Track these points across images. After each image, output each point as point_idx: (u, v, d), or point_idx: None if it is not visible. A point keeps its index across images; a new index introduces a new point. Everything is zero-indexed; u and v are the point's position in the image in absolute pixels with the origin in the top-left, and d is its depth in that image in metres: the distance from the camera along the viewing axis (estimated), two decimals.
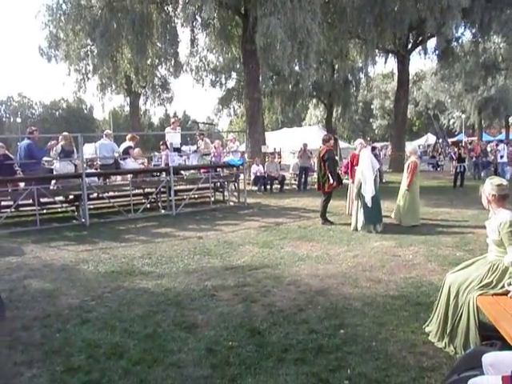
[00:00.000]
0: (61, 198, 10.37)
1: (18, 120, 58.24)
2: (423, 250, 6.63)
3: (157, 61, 20.95)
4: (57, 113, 74.04)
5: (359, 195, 8.41)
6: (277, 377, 3.11)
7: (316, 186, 9.76)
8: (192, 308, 4.47)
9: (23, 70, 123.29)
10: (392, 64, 32.46)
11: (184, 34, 67.79)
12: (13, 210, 9.41)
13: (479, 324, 3.20)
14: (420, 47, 23.17)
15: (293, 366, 3.25)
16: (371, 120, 55.31)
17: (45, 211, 10.71)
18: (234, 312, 4.33)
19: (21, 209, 10.02)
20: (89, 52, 20.67)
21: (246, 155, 15.26)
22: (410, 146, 9.75)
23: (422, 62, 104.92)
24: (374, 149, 16.98)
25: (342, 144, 31.65)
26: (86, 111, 73.74)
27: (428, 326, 3.79)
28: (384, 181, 15.89)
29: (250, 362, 3.33)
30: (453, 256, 6.27)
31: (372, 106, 52.14)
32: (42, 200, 9.92)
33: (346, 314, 4.23)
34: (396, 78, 28.23)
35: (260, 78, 18.67)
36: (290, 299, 4.65)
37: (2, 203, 9.75)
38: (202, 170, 12.35)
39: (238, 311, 4.35)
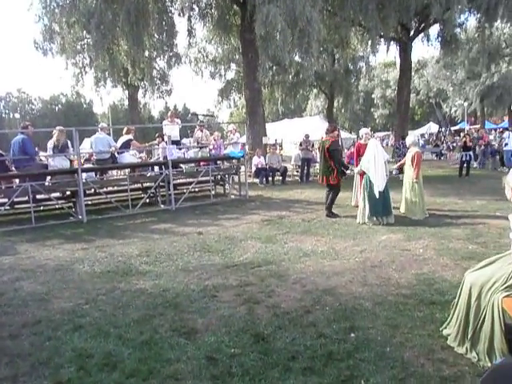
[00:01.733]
0: (57, 194, 10.09)
1: (17, 116, 57.81)
2: (433, 244, 6.34)
3: (154, 53, 20.51)
4: (56, 108, 73.66)
5: (365, 186, 8.13)
6: None
7: (319, 179, 9.31)
8: (191, 311, 4.19)
9: (22, 66, 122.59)
10: (394, 52, 32.03)
11: (181, 24, 67.32)
12: (7, 207, 9.13)
13: (505, 328, 2.91)
14: (422, 34, 22.70)
15: (301, 376, 2.98)
16: (372, 109, 54.90)
17: (41, 208, 10.46)
18: (236, 315, 4.05)
19: (16, 206, 9.74)
20: (85, 45, 20.31)
21: (246, 147, 14.95)
22: (410, 138, 9.41)
23: (425, 49, 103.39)
24: (403, 138, 16.19)
25: (343, 134, 31.25)
26: (85, 106, 73.26)
27: (446, 328, 3.51)
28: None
29: (253, 372, 3.05)
30: (465, 249, 5.98)
31: (373, 96, 51.68)
32: (37, 197, 9.65)
33: (356, 315, 3.95)
34: (398, 66, 27.79)
35: (259, 68, 18.26)
36: (296, 300, 4.36)
37: None
38: (201, 163, 12.05)
39: (241, 314, 4.06)
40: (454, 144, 25.08)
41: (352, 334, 3.56)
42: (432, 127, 38.41)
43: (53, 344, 3.62)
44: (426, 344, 3.36)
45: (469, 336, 3.16)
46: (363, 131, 9.39)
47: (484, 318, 3.05)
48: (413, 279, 4.85)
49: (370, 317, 3.90)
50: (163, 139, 11.47)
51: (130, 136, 11.09)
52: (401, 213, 8.72)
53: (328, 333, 3.60)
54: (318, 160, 9.48)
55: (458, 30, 22.04)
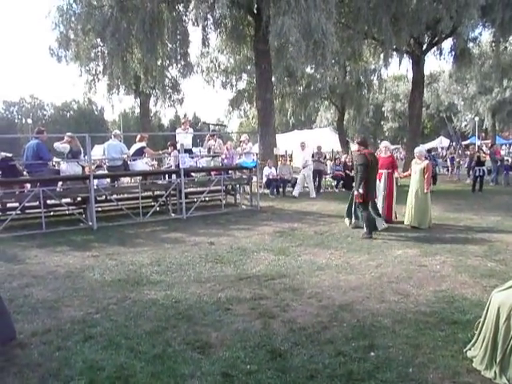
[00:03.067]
0: (68, 200, 10.07)
1: (30, 121, 58.21)
2: (451, 260, 6.18)
3: (167, 61, 20.61)
4: (68, 114, 74.26)
5: None
6: None
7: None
8: (205, 324, 4.08)
9: (36, 72, 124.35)
10: (405, 65, 31.99)
11: (195, 33, 68.41)
12: (18, 212, 9.10)
13: None
14: (435, 48, 22.59)
15: None
16: (382, 122, 54.68)
17: (52, 214, 10.43)
18: (252, 329, 3.92)
19: (27, 211, 9.72)
20: (99, 52, 20.46)
21: (257, 157, 14.89)
22: (418, 149, 9.31)
23: (437, 63, 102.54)
24: (430, 151, 16.94)
25: (353, 147, 31.13)
26: (96, 113, 73.82)
27: (470, 350, 3.36)
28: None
29: None
30: (484, 267, 5.82)
31: (383, 109, 51.49)
32: (48, 202, 9.62)
33: (375, 332, 3.81)
34: (410, 79, 27.62)
35: (273, 79, 18.26)
36: (312, 315, 4.24)
37: (8, 205, 9.48)
38: (213, 172, 11.99)
39: (256, 328, 3.94)
40: (454, 162, 24.66)
41: (372, 353, 3.43)
42: (443, 141, 38.14)
43: (63, 354, 3.52)
44: (450, 366, 3.22)
45: (497, 359, 3.01)
46: (383, 144, 9.41)
47: None
48: (432, 296, 4.70)
49: (389, 335, 3.76)
50: (175, 147, 11.44)
51: (143, 143, 11.07)
52: (406, 225, 8.77)
53: (347, 351, 3.47)
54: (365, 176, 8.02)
55: (471, 44, 21.96)
